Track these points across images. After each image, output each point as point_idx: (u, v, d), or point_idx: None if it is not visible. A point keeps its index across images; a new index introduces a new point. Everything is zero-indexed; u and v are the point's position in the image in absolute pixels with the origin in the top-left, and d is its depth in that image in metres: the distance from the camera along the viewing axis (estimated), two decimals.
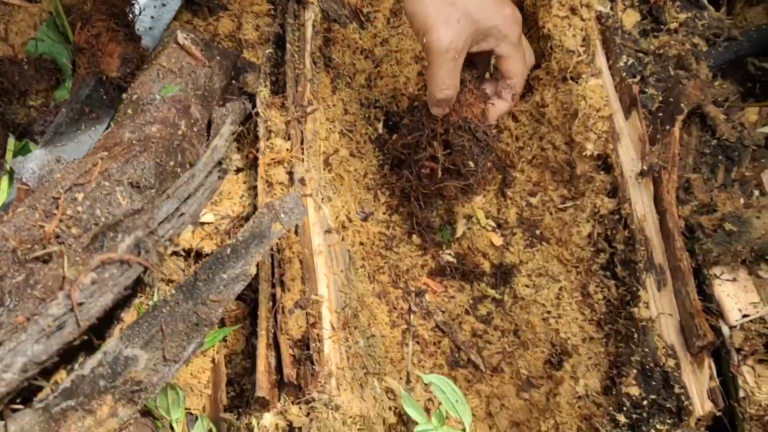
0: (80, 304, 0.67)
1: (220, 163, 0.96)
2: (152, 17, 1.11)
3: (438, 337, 1.11)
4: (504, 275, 1.14)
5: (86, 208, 0.71)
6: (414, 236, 1.18)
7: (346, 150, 1.16)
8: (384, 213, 1.19)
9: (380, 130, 1.22)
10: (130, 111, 0.87)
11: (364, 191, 1.18)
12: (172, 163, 0.83)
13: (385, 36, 1.27)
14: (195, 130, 0.90)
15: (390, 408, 0.92)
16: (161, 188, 0.83)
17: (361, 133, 1.20)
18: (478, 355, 1.10)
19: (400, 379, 1.01)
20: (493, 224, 1.20)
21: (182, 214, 0.87)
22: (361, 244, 1.10)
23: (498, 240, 1.18)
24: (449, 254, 1.19)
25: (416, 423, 0.84)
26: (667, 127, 0.99)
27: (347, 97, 1.20)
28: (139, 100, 0.88)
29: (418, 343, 1.10)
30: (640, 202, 0.98)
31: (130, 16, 1.04)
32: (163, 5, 1.11)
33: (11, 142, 1.04)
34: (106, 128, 0.99)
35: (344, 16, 1.23)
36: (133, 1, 1.07)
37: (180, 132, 0.87)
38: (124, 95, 0.95)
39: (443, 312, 1.14)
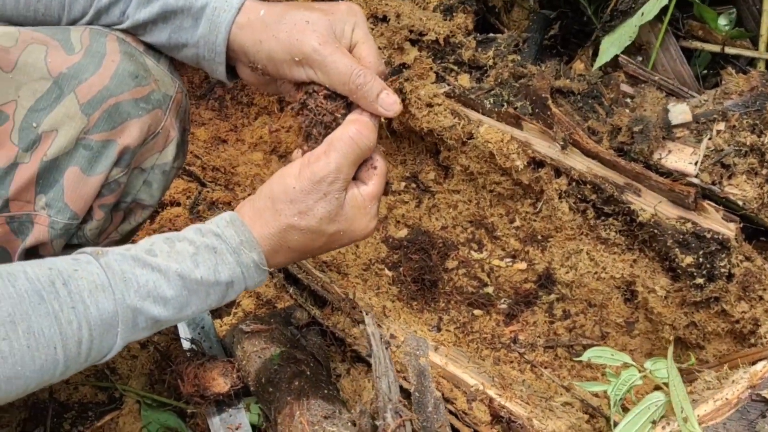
0: None
1: None
2: (200, 327, 1.35)
3: (552, 353, 1.36)
4: (547, 279, 1.42)
5: None
6: (474, 311, 1.44)
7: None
8: (441, 321, 1.44)
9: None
10: (271, 389, 1.10)
11: (416, 314, 1.44)
12: None
13: None
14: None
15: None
16: None
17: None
18: (583, 337, 1.35)
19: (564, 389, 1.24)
20: (509, 259, 1.48)
21: None
22: (457, 345, 1.35)
23: (522, 265, 1.47)
24: (503, 303, 1.45)
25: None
26: (548, 113, 1.34)
27: None
28: (269, 381, 1.11)
29: (545, 367, 1.33)
30: (578, 163, 1.31)
31: (189, 345, 1.28)
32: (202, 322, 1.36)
33: None
34: None
35: None
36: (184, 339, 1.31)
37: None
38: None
39: (538, 337, 1.38)
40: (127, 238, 1.05)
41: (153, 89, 0.93)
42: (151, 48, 0.97)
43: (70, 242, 0.95)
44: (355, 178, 0.91)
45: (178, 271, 0.81)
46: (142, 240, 0.85)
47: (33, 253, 0.94)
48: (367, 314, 0.97)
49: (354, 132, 0.87)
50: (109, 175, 0.92)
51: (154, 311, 0.80)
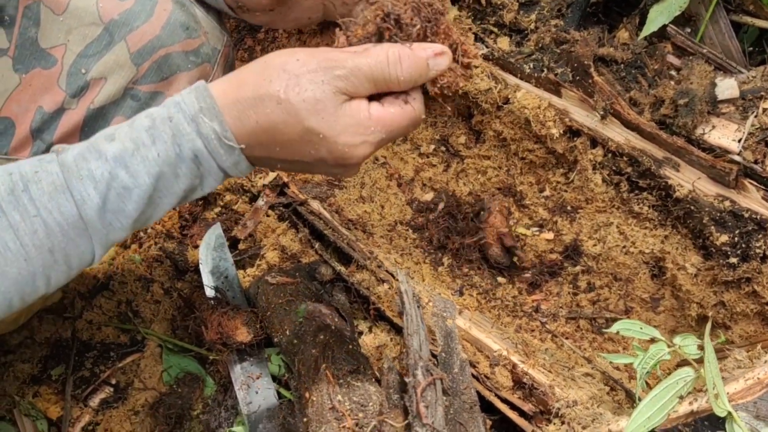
0: None
1: None
2: (224, 277, 1.35)
3: (574, 324, 1.35)
4: (574, 251, 1.40)
5: None
6: (498, 278, 1.43)
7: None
8: (463, 286, 1.44)
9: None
10: (296, 341, 1.10)
11: (440, 278, 1.43)
12: None
13: None
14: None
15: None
16: None
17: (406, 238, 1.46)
18: (607, 311, 1.34)
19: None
20: (536, 228, 1.47)
21: None
22: (479, 311, 1.34)
23: (549, 235, 1.45)
24: (527, 273, 1.44)
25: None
26: (589, 81, 1.31)
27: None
28: (294, 333, 1.11)
29: (566, 338, 1.33)
30: (616, 134, 1.29)
31: (213, 293, 1.28)
32: (221, 261, 1.36)
33: None
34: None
35: None
36: (205, 285, 1.31)
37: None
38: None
39: (560, 307, 1.38)
40: None
41: (203, 42, 0.92)
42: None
43: None
44: (375, 100, 0.76)
45: (131, 151, 0.71)
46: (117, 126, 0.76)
47: None
48: (399, 271, 0.96)
49: (393, 55, 0.73)
50: None
51: (121, 205, 0.72)
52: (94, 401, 1.32)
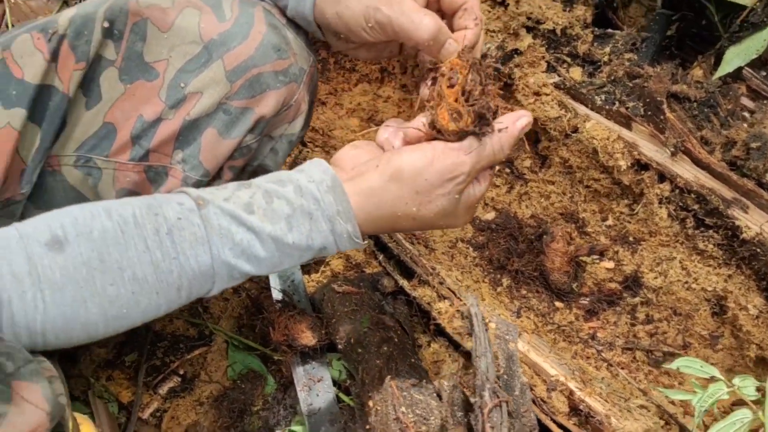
0: None
1: None
2: (291, 281, 1.42)
3: (630, 355, 1.37)
4: (634, 282, 1.42)
5: None
6: (556, 302, 1.46)
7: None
8: (521, 308, 1.47)
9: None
10: (360, 350, 1.16)
11: (498, 297, 1.47)
12: None
13: None
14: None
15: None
16: None
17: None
18: (665, 344, 1.35)
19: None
20: (597, 257, 1.49)
21: None
22: (536, 333, 1.37)
23: (609, 264, 1.47)
24: (584, 300, 1.47)
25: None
26: (660, 117, 1.33)
27: None
28: (358, 342, 1.17)
29: (622, 368, 1.35)
30: (685, 171, 1.30)
31: (280, 296, 1.35)
32: (292, 277, 1.43)
33: None
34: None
35: None
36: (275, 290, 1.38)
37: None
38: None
39: (617, 337, 1.40)
40: None
41: (291, 63, 0.98)
42: (291, 21, 1.01)
43: None
44: None
45: (271, 233, 0.82)
46: (245, 188, 0.85)
47: None
48: (469, 295, 1.00)
49: (498, 144, 0.86)
50: (243, 140, 0.98)
51: (246, 268, 0.83)
52: (163, 389, 1.40)
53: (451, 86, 0.83)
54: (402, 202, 0.85)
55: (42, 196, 0.98)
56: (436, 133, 0.87)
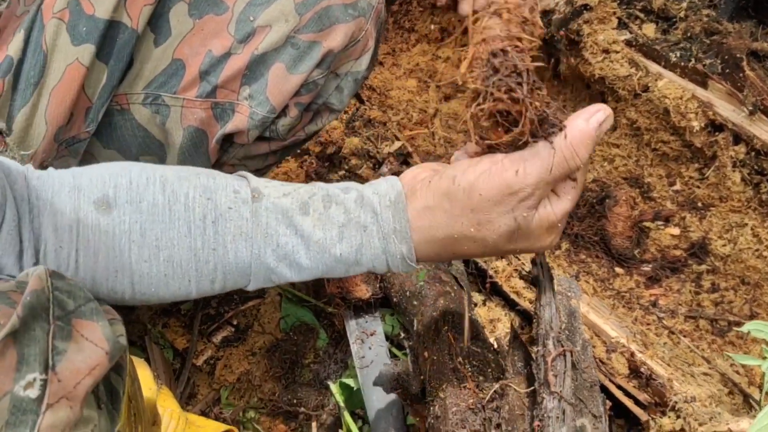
0: None
1: None
2: None
3: (693, 323, 1.31)
4: (701, 249, 1.36)
5: None
6: (616, 268, 1.41)
7: None
8: (580, 272, 1.43)
9: None
10: (416, 302, 1.14)
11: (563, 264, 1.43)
12: None
13: None
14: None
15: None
16: None
17: None
18: (730, 313, 1.30)
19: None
20: (662, 222, 1.43)
21: None
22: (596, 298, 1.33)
23: (675, 230, 1.41)
24: (646, 266, 1.42)
25: None
26: (740, 74, 1.26)
27: None
28: (414, 294, 1.15)
29: (684, 336, 1.30)
30: (763, 132, 1.24)
31: None
32: None
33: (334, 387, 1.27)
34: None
35: None
36: None
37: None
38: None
39: (680, 305, 1.34)
40: (311, 137, 1.09)
41: None
42: None
43: (262, 134, 1.01)
44: None
45: (320, 241, 0.74)
46: (306, 185, 0.78)
47: (229, 139, 1.01)
48: None
49: (568, 148, 0.67)
50: (310, 76, 0.96)
51: (286, 273, 0.76)
52: (217, 338, 1.41)
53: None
54: (457, 222, 0.72)
55: (111, 134, 0.99)
56: (488, 146, 0.71)
